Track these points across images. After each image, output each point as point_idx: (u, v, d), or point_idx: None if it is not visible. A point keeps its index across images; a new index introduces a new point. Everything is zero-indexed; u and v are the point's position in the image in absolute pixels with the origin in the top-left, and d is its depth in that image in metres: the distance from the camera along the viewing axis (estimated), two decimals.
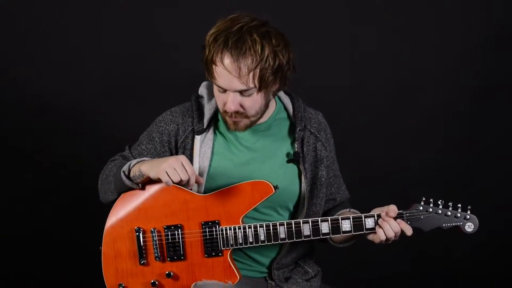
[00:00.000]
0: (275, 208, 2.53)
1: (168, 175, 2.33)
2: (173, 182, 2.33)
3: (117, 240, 2.46)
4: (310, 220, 2.41)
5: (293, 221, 2.41)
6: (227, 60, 2.33)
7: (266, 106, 2.48)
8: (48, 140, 3.75)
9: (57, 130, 3.74)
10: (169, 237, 2.43)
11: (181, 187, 2.40)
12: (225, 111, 2.43)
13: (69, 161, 3.76)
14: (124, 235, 2.46)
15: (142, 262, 2.43)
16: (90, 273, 2.75)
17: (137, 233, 2.44)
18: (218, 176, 2.50)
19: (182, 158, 2.35)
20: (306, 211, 2.53)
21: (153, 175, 2.36)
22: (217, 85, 2.41)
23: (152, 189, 2.45)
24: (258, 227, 2.42)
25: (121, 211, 2.48)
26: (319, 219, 2.41)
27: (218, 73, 2.36)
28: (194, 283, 2.42)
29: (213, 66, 2.36)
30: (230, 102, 2.38)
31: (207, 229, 2.42)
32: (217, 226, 2.42)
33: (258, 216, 2.51)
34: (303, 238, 2.42)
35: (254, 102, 2.40)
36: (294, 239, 2.42)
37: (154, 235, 2.43)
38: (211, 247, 2.42)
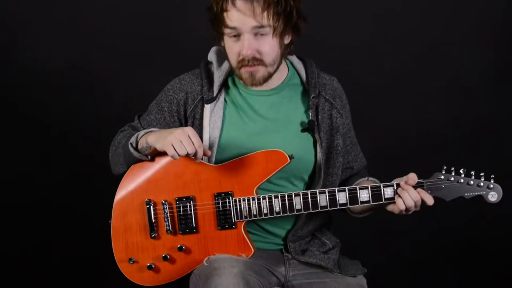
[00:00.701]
0: (290, 179, 2.54)
1: (174, 148, 2.33)
2: (179, 155, 2.33)
3: (127, 213, 2.47)
4: (326, 190, 2.41)
5: (309, 192, 2.42)
6: (239, 2, 2.39)
7: (282, 58, 2.48)
8: (54, 108, 3.74)
9: (63, 98, 3.73)
10: (181, 209, 2.44)
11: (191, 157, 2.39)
12: (241, 62, 2.43)
13: (75, 132, 3.76)
14: (134, 208, 2.47)
15: (153, 235, 2.44)
16: (99, 248, 2.82)
17: (148, 206, 2.45)
18: (229, 147, 2.50)
19: (189, 130, 2.35)
20: (322, 182, 2.53)
21: (159, 147, 2.37)
22: (230, 28, 2.42)
23: (162, 161, 2.46)
24: (273, 198, 2.42)
25: (130, 183, 2.48)
26: (336, 189, 2.41)
27: (231, 17, 2.42)
28: (206, 257, 2.42)
29: (224, 13, 2.41)
30: (247, 46, 2.40)
31: (219, 201, 2.43)
32: (230, 197, 2.43)
33: (272, 187, 2.52)
34: (319, 209, 2.42)
35: (270, 47, 2.43)
36: (310, 210, 2.42)
37: (165, 207, 2.44)
38: (224, 219, 2.43)
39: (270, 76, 2.48)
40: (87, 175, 3.75)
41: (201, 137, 2.49)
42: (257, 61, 2.43)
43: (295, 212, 2.44)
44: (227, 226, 2.44)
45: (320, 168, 2.54)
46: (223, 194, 2.44)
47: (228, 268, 2.30)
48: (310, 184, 2.58)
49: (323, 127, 2.55)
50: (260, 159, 2.44)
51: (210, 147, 2.50)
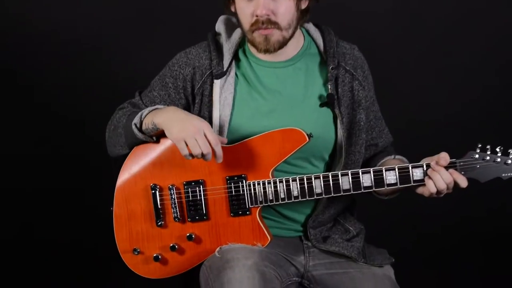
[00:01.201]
0: (309, 159, 2.48)
1: (187, 146, 2.29)
2: (193, 157, 2.29)
3: (130, 199, 2.43)
4: (349, 172, 2.34)
5: (330, 174, 2.34)
6: None
7: (298, 23, 2.44)
8: (47, 79, 3.68)
9: (57, 71, 3.68)
10: (190, 194, 2.40)
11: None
12: (255, 24, 2.38)
13: (69, 109, 3.69)
14: (138, 194, 2.42)
15: (159, 223, 2.40)
16: (100, 237, 2.79)
17: (153, 191, 2.40)
18: (241, 126, 2.46)
19: (205, 126, 2.30)
20: (344, 161, 2.47)
21: (169, 137, 2.33)
22: None
23: (168, 141, 2.39)
24: (290, 181, 2.36)
25: (134, 166, 2.43)
26: (360, 170, 2.34)
27: None
28: (218, 247, 2.37)
29: None
30: (262, 5, 2.35)
31: (232, 185, 2.38)
32: (244, 180, 2.38)
33: (289, 168, 2.46)
34: (342, 193, 2.36)
35: (286, 8, 2.38)
36: (332, 194, 2.36)
37: (172, 192, 2.40)
38: (238, 205, 2.39)
39: (285, 42, 2.41)
40: (85, 156, 3.67)
41: (210, 116, 2.45)
42: (272, 23, 2.37)
43: (315, 197, 2.38)
44: (240, 212, 2.39)
45: (342, 146, 2.48)
46: (235, 178, 2.39)
47: (242, 260, 2.26)
48: (331, 163, 2.52)
49: (343, 101, 2.48)
50: (276, 139, 2.38)
51: (221, 126, 2.44)
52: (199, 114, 2.46)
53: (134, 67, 3.63)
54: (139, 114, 2.40)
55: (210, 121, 2.45)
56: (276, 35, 2.39)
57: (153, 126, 2.35)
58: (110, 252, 2.48)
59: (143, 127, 2.39)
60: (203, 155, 2.28)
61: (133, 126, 2.39)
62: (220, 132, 2.45)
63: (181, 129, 2.29)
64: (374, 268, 2.49)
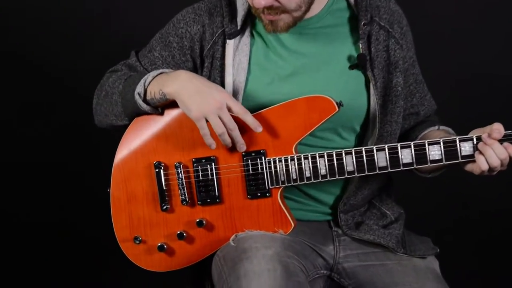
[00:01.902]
0: (337, 130, 2.43)
1: (207, 125, 2.27)
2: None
3: (131, 179, 2.38)
4: (386, 146, 2.28)
5: (363, 149, 2.28)
6: None
7: None
8: (42, 43, 3.66)
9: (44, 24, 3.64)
10: (200, 173, 2.35)
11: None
12: (257, 9, 2.33)
13: (59, 71, 3.68)
14: (139, 173, 2.38)
15: (165, 207, 2.36)
16: (95, 224, 2.80)
17: (157, 170, 2.36)
18: (258, 93, 2.41)
19: (227, 97, 2.28)
20: (379, 132, 2.42)
21: (187, 113, 2.29)
22: None
23: (174, 111, 2.36)
24: (317, 157, 2.29)
25: (134, 141, 2.39)
26: (399, 145, 2.27)
27: None
28: (234, 235, 2.33)
29: None
30: None
31: (249, 162, 2.33)
32: (263, 157, 2.32)
33: (315, 142, 2.40)
34: (377, 171, 2.30)
35: None
36: (366, 173, 2.30)
37: (179, 171, 2.35)
38: (256, 185, 2.33)
39: (297, 20, 2.37)
40: (78, 127, 3.63)
41: (222, 82, 2.41)
42: (277, 9, 2.31)
43: (346, 175, 2.31)
44: (259, 194, 2.34)
45: (375, 115, 2.42)
46: (253, 153, 2.33)
47: (261, 250, 2.21)
48: (363, 135, 2.47)
49: (377, 62, 2.43)
50: (300, 108, 2.32)
51: (235, 94, 2.40)
52: (209, 79, 2.41)
53: (132, 23, 3.59)
54: (142, 80, 2.33)
55: (222, 87, 2.39)
56: (284, 19, 2.33)
57: (162, 96, 2.30)
58: (107, 240, 2.46)
59: (148, 97, 2.33)
60: (223, 137, 2.27)
61: (137, 96, 2.32)
62: None
63: (201, 104, 2.27)
64: (416, 259, 2.45)
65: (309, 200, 2.48)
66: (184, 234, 2.36)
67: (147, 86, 2.34)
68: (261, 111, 2.34)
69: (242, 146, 2.30)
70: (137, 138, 2.40)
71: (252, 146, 2.34)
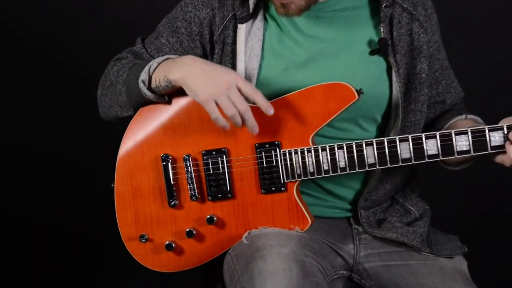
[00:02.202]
0: (357, 120, 2.40)
1: (217, 107, 2.23)
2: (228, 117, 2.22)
3: (136, 173, 2.36)
4: (410, 137, 2.25)
5: (385, 139, 2.26)
6: None
7: None
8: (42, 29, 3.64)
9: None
10: (210, 166, 2.33)
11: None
12: None
13: (56, 55, 3.68)
14: (145, 166, 2.36)
15: (173, 203, 2.33)
16: (99, 221, 2.81)
17: (164, 163, 2.33)
18: (272, 80, 2.38)
19: (236, 77, 2.25)
20: (402, 123, 2.39)
21: (194, 98, 2.26)
22: None
23: (182, 100, 2.34)
24: (336, 148, 2.26)
25: (140, 132, 2.36)
26: (423, 135, 2.24)
27: None
28: (247, 232, 2.30)
29: None
30: None
31: (263, 154, 2.30)
32: (278, 149, 2.30)
33: (333, 133, 2.37)
34: (400, 163, 2.27)
35: None
36: (388, 165, 2.27)
37: (188, 164, 2.32)
38: (270, 179, 2.30)
39: (313, 2, 2.34)
40: (78, 118, 3.66)
41: (233, 69, 2.40)
42: None
43: (366, 168, 2.29)
44: (273, 188, 2.31)
45: (398, 104, 2.40)
46: (267, 145, 2.31)
47: (276, 248, 2.18)
48: (384, 126, 2.45)
49: (400, 47, 2.40)
50: (317, 96, 2.29)
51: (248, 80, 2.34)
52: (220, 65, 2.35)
53: (139, 6, 3.60)
54: (147, 67, 2.30)
55: None
56: (296, 2, 2.32)
57: (167, 83, 2.27)
58: (111, 239, 2.45)
59: (153, 85, 2.31)
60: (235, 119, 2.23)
61: (141, 84, 2.29)
62: None
63: (209, 86, 2.25)
64: (442, 259, 2.42)
65: (327, 195, 2.46)
66: (194, 231, 2.34)
67: (152, 73, 2.32)
68: (275, 99, 2.32)
69: (255, 128, 2.27)
70: (142, 129, 2.38)
71: (266, 137, 2.32)
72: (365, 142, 2.28)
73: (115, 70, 2.45)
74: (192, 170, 2.34)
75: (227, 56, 2.41)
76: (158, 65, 2.32)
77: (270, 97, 2.32)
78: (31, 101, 3.75)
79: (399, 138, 2.27)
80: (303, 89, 2.31)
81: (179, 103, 2.35)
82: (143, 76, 2.32)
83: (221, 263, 2.34)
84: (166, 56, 2.36)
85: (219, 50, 2.43)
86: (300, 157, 2.30)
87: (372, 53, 2.40)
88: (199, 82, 2.26)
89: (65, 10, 3.68)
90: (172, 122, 2.36)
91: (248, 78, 2.39)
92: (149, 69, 2.32)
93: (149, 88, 2.33)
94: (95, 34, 3.66)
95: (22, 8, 3.70)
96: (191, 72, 2.27)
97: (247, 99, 2.26)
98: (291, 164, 2.31)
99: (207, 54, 2.45)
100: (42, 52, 3.71)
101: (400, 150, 2.28)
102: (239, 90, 2.23)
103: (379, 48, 2.39)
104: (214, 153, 2.34)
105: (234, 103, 2.23)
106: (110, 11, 3.67)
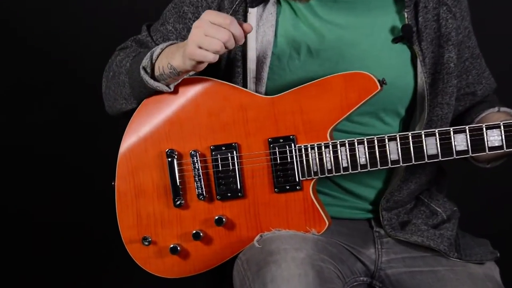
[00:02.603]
0: (379, 114, 2.36)
1: (203, 49, 2.17)
2: (216, 53, 2.17)
3: (139, 170, 2.32)
4: (436, 131, 2.20)
5: (409, 134, 2.21)
6: None
7: None
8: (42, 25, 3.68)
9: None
10: (219, 163, 2.28)
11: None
12: None
13: (52, 46, 3.71)
14: (149, 163, 2.32)
15: (178, 202, 2.28)
16: (98, 222, 2.78)
17: (169, 159, 2.29)
18: (286, 70, 2.35)
19: (204, 16, 2.18)
20: (428, 117, 2.35)
21: (188, 65, 2.19)
22: None
23: (189, 92, 2.30)
24: (356, 144, 2.22)
25: (143, 126, 2.33)
26: (451, 129, 2.19)
27: None
28: (258, 235, 2.25)
29: None
30: None
31: (277, 150, 2.26)
32: (292, 144, 2.25)
33: (352, 128, 2.33)
34: (426, 160, 2.22)
35: None
36: (413, 162, 2.22)
37: (195, 160, 2.28)
38: (284, 177, 2.26)
39: None
40: (77, 113, 3.66)
41: (243, 57, 2.36)
42: None
43: (389, 165, 2.23)
44: (288, 187, 2.26)
45: (424, 96, 2.35)
46: (281, 140, 2.26)
47: (291, 252, 2.13)
48: (408, 120, 2.40)
49: (426, 34, 2.36)
50: (336, 87, 2.24)
51: (258, 71, 2.34)
52: (229, 54, 2.35)
53: (137, 7, 3.60)
54: (149, 54, 2.26)
55: (244, 63, 2.35)
56: None
57: (171, 70, 2.23)
58: (111, 241, 2.44)
59: (156, 72, 2.27)
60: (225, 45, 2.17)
61: (142, 71, 2.24)
62: (258, 78, 2.36)
63: (187, 43, 2.19)
64: (472, 265, 2.38)
65: (346, 195, 2.42)
66: (201, 233, 2.30)
67: (155, 61, 2.28)
68: (289, 90, 2.28)
69: (247, 25, 2.23)
70: (146, 123, 2.34)
71: (279, 131, 2.28)
72: (387, 136, 2.24)
73: (118, 60, 2.44)
74: (200, 167, 2.30)
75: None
76: (162, 51, 2.28)
77: (284, 87, 2.30)
78: (31, 101, 3.77)
79: (425, 132, 2.23)
80: (321, 79, 2.27)
81: (186, 95, 2.32)
82: (145, 62, 2.30)
83: (231, 268, 2.30)
84: (171, 42, 2.33)
85: None
86: (317, 153, 2.26)
87: (395, 40, 2.36)
88: (183, 48, 2.24)
89: (65, 10, 3.70)
90: (178, 115, 2.33)
91: (259, 67, 2.36)
92: (151, 56, 2.29)
93: (153, 76, 2.29)
94: (95, 34, 3.67)
95: (22, 8, 3.72)
96: (182, 49, 2.23)
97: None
98: (307, 160, 2.26)
99: None
100: (42, 52, 3.72)
101: (426, 145, 2.24)
102: (214, 23, 2.19)
103: (403, 36, 2.35)
104: (223, 148, 2.29)
105: (215, 36, 2.17)
106: (110, 11, 3.69)
